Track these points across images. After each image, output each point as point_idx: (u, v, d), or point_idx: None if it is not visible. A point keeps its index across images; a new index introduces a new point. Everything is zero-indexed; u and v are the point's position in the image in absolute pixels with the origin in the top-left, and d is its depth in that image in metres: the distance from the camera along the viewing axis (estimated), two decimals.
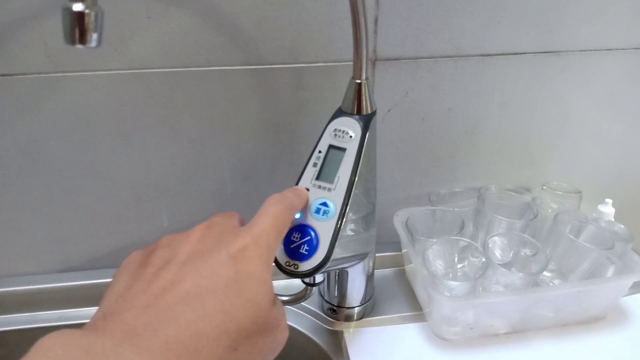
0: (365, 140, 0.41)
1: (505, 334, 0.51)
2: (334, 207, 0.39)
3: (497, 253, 0.54)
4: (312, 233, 0.38)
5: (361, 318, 0.53)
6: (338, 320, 0.53)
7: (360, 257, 0.47)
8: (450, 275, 0.54)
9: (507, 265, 0.53)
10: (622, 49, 0.56)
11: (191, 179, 0.55)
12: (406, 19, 0.50)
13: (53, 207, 0.54)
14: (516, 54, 0.54)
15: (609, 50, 0.56)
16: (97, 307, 0.28)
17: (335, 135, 0.41)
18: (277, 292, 0.31)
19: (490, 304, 0.48)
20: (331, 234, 0.38)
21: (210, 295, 0.27)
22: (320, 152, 0.41)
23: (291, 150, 0.55)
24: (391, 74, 0.52)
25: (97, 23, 0.29)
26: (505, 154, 0.60)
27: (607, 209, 0.57)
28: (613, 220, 0.56)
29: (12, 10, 0.44)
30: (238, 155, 0.54)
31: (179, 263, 0.28)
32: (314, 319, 0.53)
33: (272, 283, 0.30)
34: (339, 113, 0.42)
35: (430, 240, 0.51)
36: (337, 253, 0.38)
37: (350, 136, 0.41)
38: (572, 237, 0.51)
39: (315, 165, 0.41)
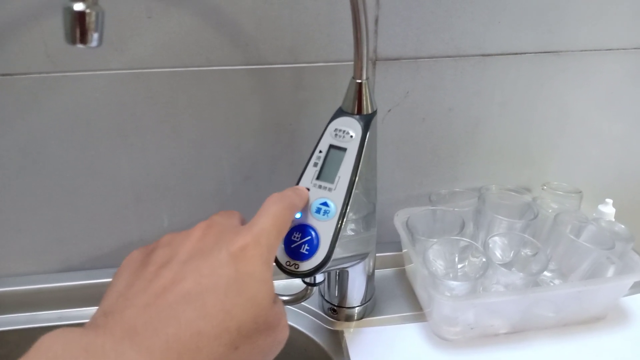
0: (366, 140, 0.41)
1: (505, 334, 0.51)
2: (335, 207, 0.39)
3: (498, 253, 0.54)
4: (313, 233, 0.38)
5: (361, 318, 0.53)
6: (338, 320, 0.53)
7: (361, 257, 0.47)
8: (451, 275, 0.54)
9: (507, 265, 0.53)
10: (623, 49, 0.56)
11: (191, 179, 0.55)
12: (407, 19, 0.50)
13: (53, 207, 0.54)
14: (516, 54, 0.54)
15: (609, 50, 0.56)
16: (97, 307, 0.28)
17: (336, 135, 0.41)
18: (277, 292, 0.31)
19: (490, 304, 0.48)
20: (332, 234, 0.38)
21: (211, 294, 0.27)
22: (320, 152, 0.41)
23: (291, 150, 0.55)
24: (392, 73, 0.52)
25: (98, 23, 0.29)
26: (505, 154, 0.60)
27: (608, 209, 0.57)
28: (613, 220, 0.56)
29: (12, 10, 0.44)
30: (238, 155, 0.54)
31: (180, 262, 0.28)
32: (314, 318, 0.53)
33: (272, 282, 0.30)
34: (340, 113, 0.42)
35: (431, 240, 0.51)
36: (338, 253, 0.38)
37: (351, 136, 0.41)
38: (572, 237, 0.51)
39: (315, 165, 0.41)
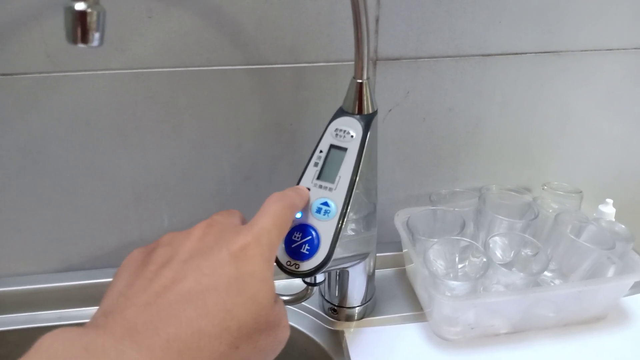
0: (367, 140, 0.41)
1: (506, 334, 0.51)
2: (335, 206, 0.39)
3: (498, 253, 0.54)
4: (313, 233, 0.38)
5: (362, 318, 0.53)
6: (339, 320, 0.53)
7: (361, 257, 0.47)
8: (451, 275, 0.54)
9: (508, 265, 0.53)
10: (623, 49, 0.56)
11: (191, 179, 0.55)
12: (407, 19, 0.50)
13: (53, 207, 0.54)
14: (517, 53, 0.54)
15: (610, 50, 0.56)
16: (97, 307, 0.28)
17: (337, 135, 0.41)
18: (277, 292, 0.31)
19: (491, 304, 0.48)
20: (332, 234, 0.38)
21: (212, 293, 0.26)
22: (321, 151, 0.41)
23: (292, 150, 0.55)
24: (392, 73, 0.52)
25: (99, 22, 0.29)
26: (506, 153, 0.60)
27: (608, 209, 0.57)
28: (614, 220, 0.56)
29: (12, 9, 0.44)
30: (238, 155, 0.54)
31: (180, 261, 0.28)
32: (314, 318, 0.53)
33: (273, 281, 0.30)
34: (340, 113, 0.42)
35: (431, 240, 0.51)
36: (338, 253, 0.38)
37: (352, 136, 0.41)
38: (572, 237, 0.51)
39: (316, 164, 0.41)
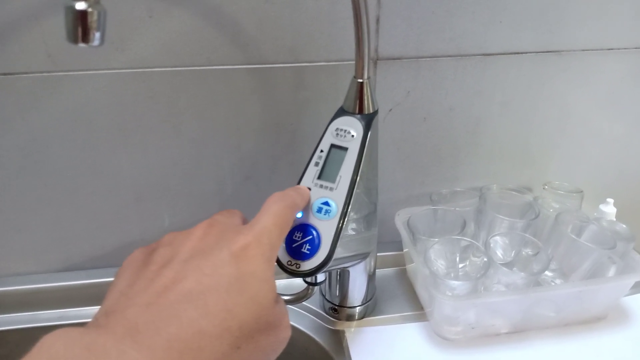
0: (367, 139, 0.41)
1: (506, 333, 0.51)
2: (336, 206, 0.39)
3: (499, 253, 0.54)
4: (314, 232, 0.38)
5: (362, 317, 0.53)
6: (339, 319, 0.53)
7: (362, 256, 0.47)
8: (452, 274, 0.54)
9: (508, 264, 0.52)
10: (624, 49, 0.56)
11: (192, 179, 0.55)
12: (408, 19, 0.50)
13: (54, 206, 0.54)
14: (517, 53, 0.54)
15: (610, 49, 0.56)
16: (98, 307, 0.27)
17: (337, 134, 0.41)
18: (278, 292, 0.31)
19: (491, 304, 0.48)
20: (333, 234, 0.38)
21: (213, 293, 0.26)
22: (322, 151, 0.41)
23: (292, 149, 0.55)
24: (393, 73, 0.52)
25: (100, 22, 0.29)
26: (506, 153, 0.60)
27: (609, 209, 0.57)
28: (614, 219, 0.56)
29: (12, 9, 0.44)
30: (239, 155, 0.54)
31: (181, 261, 0.28)
32: (315, 318, 0.53)
33: (274, 281, 0.30)
34: (341, 112, 0.42)
35: (432, 239, 0.51)
36: (339, 252, 0.38)
37: (352, 135, 0.41)
38: (573, 236, 0.51)
39: (317, 164, 0.41)
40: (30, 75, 0.47)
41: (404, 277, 0.59)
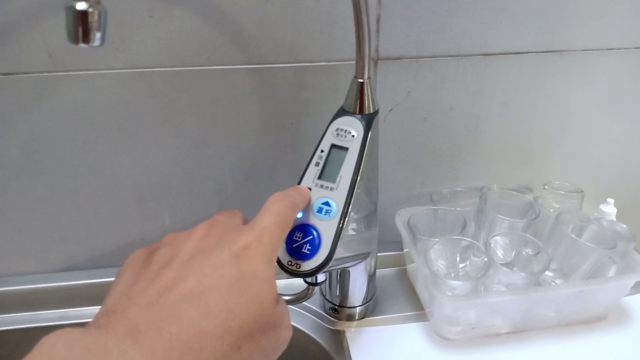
0: (368, 139, 0.41)
1: (507, 333, 0.51)
2: (336, 206, 0.39)
3: (499, 253, 0.54)
4: (315, 232, 0.38)
5: (363, 317, 0.53)
6: (340, 319, 0.53)
7: (362, 256, 0.47)
8: (452, 274, 0.54)
9: (509, 264, 0.52)
10: (624, 49, 0.56)
11: (193, 178, 0.55)
12: (408, 19, 0.50)
13: (55, 206, 0.54)
14: (518, 53, 0.54)
15: (611, 49, 0.56)
16: (98, 307, 0.27)
17: (338, 134, 0.41)
18: (278, 292, 0.31)
19: (492, 304, 0.48)
20: (333, 234, 0.38)
21: (214, 293, 0.26)
22: (322, 151, 0.41)
23: (292, 149, 0.55)
24: (393, 73, 0.52)
25: (101, 22, 0.29)
26: (507, 153, 0.60)
27: (609, 209, 0.57)
28: (615, 219, 0.56)
29: (12, 9, 0.44)
30: (239, 155, 0.54)
31: (182, 261, 0.28)
32: (315, 318, 0.53)
33: (275, 281, 0.30)
34: (341, 112, 0.42)
35: (432, 239, 0.51)
36: (339, 252, 0.38)
37: (353, 135, 0.41)
38: (574, 236, 0.51)
39: (317, 164, 0.41)
40: (31, 75, 0.47)
41: (405, 277, 0.59)
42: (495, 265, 0.48)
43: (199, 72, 0.49)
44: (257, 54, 0.49)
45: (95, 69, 0.47)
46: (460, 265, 0.54)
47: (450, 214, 0.55)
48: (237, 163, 0.55)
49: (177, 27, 0.47)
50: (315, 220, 0.38)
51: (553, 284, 0.54)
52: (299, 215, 0.39)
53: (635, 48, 0.57)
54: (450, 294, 0.47)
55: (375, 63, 0.51)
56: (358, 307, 0.52)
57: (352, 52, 0.40)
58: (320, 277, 0.41)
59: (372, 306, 0.54)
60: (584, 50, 0.55)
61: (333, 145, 0.41)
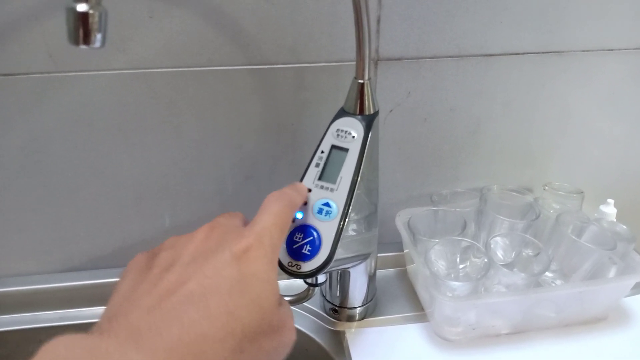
0: (368, 140, 0.41)
1: (507, 334, 0.51)
2: (337, 207, 0.39)
3: (499, 253, 0.54)
4: (315, 233, 0.38)
5: (363, 318, 0.53)
6: (340, 320, 0.53)
7: (363, 257, 0.47)
8: (452, 275, 0.54)
9: (509, 265, 0.52)
10: (624, 49, 0.56)
11: (193, 179, 0.55)
12: (408, 19, 0.50)
13: (54, 206, 0.54)
14: (518, 54, 0.54)
15: (611, 50, 0.56)
16: (99, 307, 0.28)
17: (338, 135, 0.41)
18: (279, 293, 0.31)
19: (492, 305, 0.48)
20: (334, 234, 0.38)
21: (215, 295, 0.26)
22: (322, 152, 0.41)
23: (293, 150, 0.55)
24: (393, 74, 0.52)
25: (101, 23, 0.29)
26: (507, 154, 0.60)
27: (609, 210, 0.57)
28: (615, 220, 0.56)
29: (12, 10, 0.44)
30: (239, 155, 0.54)
31: (183, 264, 0.28)
32: (315, 319, 0.53)
33: (277, 282, 0.29)
34: (342, 113, 0.42)
35: (432, 240, 0.51)
36: (340, 253, 0.38)
37: (353, 136, 0.41)
38: (574, 237, 0.51)
39: (317, 165, 0.41)
40: (31, 75, 0.47)
41: (405, 278, 0.59)
42: (495, 266, 0.48)
43: (199, 72, 0.49)
44: (258, 55, 0.49)
45: (96, 69, 0.47)
46: (461, 266, 0.54)
47: (450, 215, 0.55)
48: (237, 163, 0.55)
49: (177, 28, 0.47)
50: (315, 221, 0.38)
51: (553, 284, 0.54)
52: (299, 216, 0.39)
53: (635, 48, 0.57)
54: (450, 294, 0.47)
55: (376, 64, 0.51)
56: (358, 308, 0.52)
57: (352, 52, 0.40)
58: (321, 277, 0.41)
59: (373, 307, 0.54)
60: (584, 50, 0.55)
61: (333, 146, 0.41)
